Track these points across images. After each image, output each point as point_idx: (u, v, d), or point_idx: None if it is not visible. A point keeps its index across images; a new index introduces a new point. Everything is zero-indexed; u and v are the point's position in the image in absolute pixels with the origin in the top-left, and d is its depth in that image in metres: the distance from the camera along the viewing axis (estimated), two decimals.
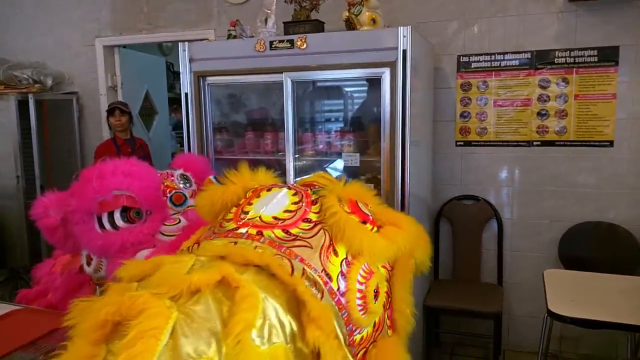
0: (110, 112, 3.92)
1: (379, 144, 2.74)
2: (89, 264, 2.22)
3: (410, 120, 2.64)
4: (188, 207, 2.34)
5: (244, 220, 1.38)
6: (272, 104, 3.35)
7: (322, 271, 1.28)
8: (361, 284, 1.34)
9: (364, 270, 1.36)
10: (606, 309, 2.22)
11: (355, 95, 3.35)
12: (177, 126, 6.11)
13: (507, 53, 3.21)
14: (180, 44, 3.01)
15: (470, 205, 3.40)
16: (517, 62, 3.20)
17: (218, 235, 1.38)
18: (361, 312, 1.32)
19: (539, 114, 3.20)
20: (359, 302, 1.31)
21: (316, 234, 1.35)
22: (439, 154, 3.41)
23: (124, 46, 4.47)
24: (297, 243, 1.31)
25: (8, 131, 4.06)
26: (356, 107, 3.37)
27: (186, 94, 3.04)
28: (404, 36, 2.53)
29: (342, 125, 3.27)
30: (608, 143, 3.09)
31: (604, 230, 3.12)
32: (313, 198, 1.48)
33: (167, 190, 2.33)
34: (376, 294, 1.38)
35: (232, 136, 3.29)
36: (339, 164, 3.14)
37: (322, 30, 2.92)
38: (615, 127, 3.07)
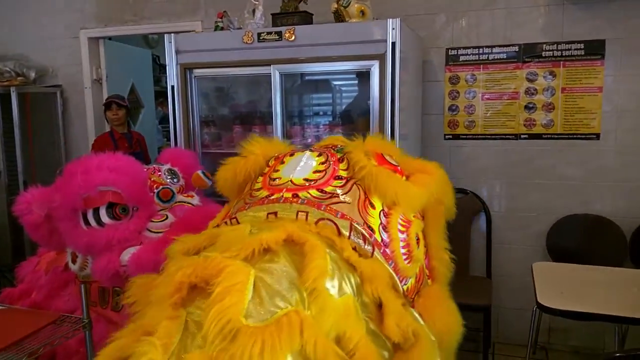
0: (107, 106, 3.87)
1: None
2: (74, 261, 2.17)
3: (399, 113, 2.63)
4: (176, 203, 2.31)
5: (275, 187, 1.37)
6: (260, 97, 3.32)
7: (364, 224, 1.28)
8: (402, 232, 1.34)
9: (402, 219, 1.36)
10: (594, 301, 2.24)
11: (344, 88, 3.34)
12: (163, 120, 6.04)
13: (495, 46, 3.21)
14: (166, 36, 2.97)
15: (459, 198, 3.34)
16: (504, 56, 3.20)
17: (251, 205, 1.35)
18: (406, 261, 1.32)
19: (526, 107, 3.21)
20: (403, 250, 1.32)
21: (350, 189, 1.34)
22: (428, 147, 3.41)
23: (109, 38, 4.40)
24: (334, 200, 1.30)
25: None
26: (345, 100, 3.36)
27: (172, 87, 3.00)
28: (393, 28, 2.52)
29: (331, 118, 3.26)
30: (594, 136, 3.11)
31: (591, 223, 3.14)
32: (339, 156, 1.49)
33: (154, 186, 2.29)
34: (417, 241, 1.40)
35: (220, 130, 3.26)
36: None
37: (311, 22, 2.90)
38: (601, 120, 3.09)
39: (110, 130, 3.95)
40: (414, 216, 1.45)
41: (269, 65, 2.79)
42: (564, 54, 3.10)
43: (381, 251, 1.28)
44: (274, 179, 1.41)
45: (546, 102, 3.17)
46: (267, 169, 1.50)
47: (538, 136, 3.22)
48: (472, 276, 3.38)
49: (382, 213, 1.34)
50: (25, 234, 2.31)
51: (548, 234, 3.23)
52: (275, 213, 1.27)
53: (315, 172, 1.40)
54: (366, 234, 1.26)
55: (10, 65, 4.15)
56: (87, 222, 2.01)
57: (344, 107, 3.31)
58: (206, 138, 3.19)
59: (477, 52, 3.24)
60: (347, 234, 1.22)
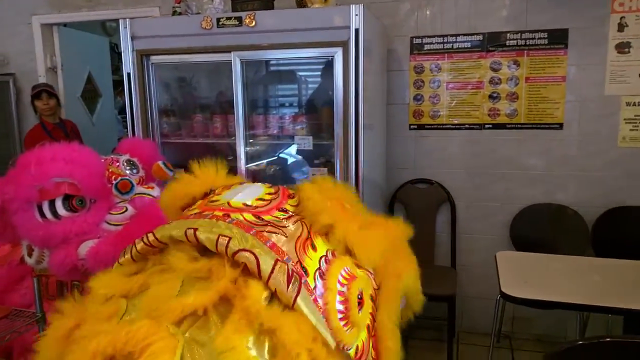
0: (37, 96, 3.70)
1: (333, 128, 2.67)
2: (30, 255, 2.08)
3: (364, 103, 2.58)
4: (135, 194, 2.22)
5: (209, 206, 1.22)
6: (222, 86, 3.22)
7: (297, 263, 1.08)
8: (342, 285, 1.12)
9: (345, 271, 1.15)
10: (557, 289, 2.24)
11: (308, 77, 3.28)
12: (123, 110, 5.85)
13: (459, 35, 3.19)
14: (121, 21, 2.84)
15: (424, 189, 3.38)
16: (469, 45, 3.18)
17: (175, 220, 1.21)
18: (342, 322, 1.09)
19: (490, 96, 3.20)
20: (340, 307, 1.09)
21: (292, 224, 1.17)
22: (393, 137, 3.37)
23: (65, 25, 4.23)
24: (270, 229, 1.13)
25: None
26: (309, 89, 3.29)
27: (129, 74, 2.89)
28: (356, 14, 2.46)
29: (295, 108, 3.19)
30: (558, 125, 3.13)
31: (554, 212, 3.16)
32: (291, 192, 1.31)
33: (113, 177, 2.20)
34: (360, 301, 1.15)
35: (180, 119, 3.15)
36: (293, 148, 3.06)
37: (272, 8, 2.82)
38: (565, 109, 3.10)
39: (41, 121, 3.77)
40: (364, 271, 1.22)
41: (229, 52, 2.70)
42: (527, 43, 3.09)
43: (311, 298, 1.06)
44: (213, 201, 1.26)
45: (510, 92, 3.17)
46: (211, 194, 1.33)
47: (502, 126, 3.21)
48: (436, 266, 3.38)
49: (323, 259, 1.14)
50: None
51: (512, 223, 3.24)
52: (195, 230, 1.08)
53: (258, 199, 1.24)
54: (294, 273, 1.06)
55: None
56: (42, 215, 1.93)
57: (308, 97, 3.25)
58: (165, 127, 3.08)
59: (441, 40, 3.21)
60: (268, 272, 1.02)
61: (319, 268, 1.11)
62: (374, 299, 1.21)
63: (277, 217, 1.17)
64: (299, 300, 1.01)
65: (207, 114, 3.10)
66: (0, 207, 2.04)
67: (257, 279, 1.01)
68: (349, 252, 1.19)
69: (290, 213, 1.21)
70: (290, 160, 3.18)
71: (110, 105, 5.22)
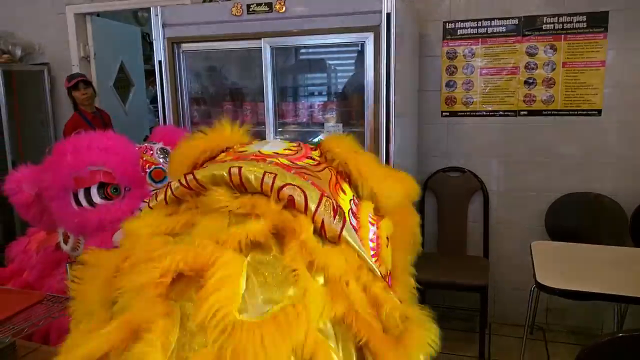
0: (75, 87, 3.76)
1: (363, 115, 2.63)
2: (65, 242, 2.13)
3: (395, 89, 2.53)
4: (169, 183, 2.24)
5: (241, 155, 1.26)
6: (252, 74, 3.22)
7: (336, 201, 1.09)
8: (372, 225, 1.14)
9: (371, 215, 1.16)
10: (593, 280, 2.18)
11: (338, 64, 3.23)
12: (154, 99, 5.93)
13: (494, 19, 3.10)
14: (152, 8, 2.85)
15: (456, 177, 3.33)
16: (504, 29, 3.10)
17: (211, 164, 1.24)
18: (373, 258, 1.11)
19: (526, 82, 3.11)
20: (372, 244, 1.12)
21: (322, 170, 1.16)
22: (425, 125, 3.32)
23: (98, 14, 4.28)
24: (304, 171, 1.12)
25: None
26: (339, 76, 3.26)
27: (160, 62, 2.90)
28: None
29: (324, 96, 3.16)
30: (596, 112, 3.03)
31: (591, 201, 3.07)
32: (312, 146, 1.37)
33: (147, 166, 2.23)
34: (387, 240, 1.20)
35: (210, 107, 3.16)
36: (323, 137, 3.04)
37: None
38: (603, 95, 3.00)
39: (80, 111, 3.83)
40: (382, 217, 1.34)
41: (259, 38, 2.69)
42: (565, 27, 2.99)
43: (359, 235, 1.10)
44: (240, 151, 1.30)
45: (546, 77, 3.07)
46: (230, 150, 1.37)
47: (538, 112, 3.13)
48: (468, 256, 3.32)
49: (352, 202, 1.15)
50: (16, 214, 2.26)
51: (547, 213, 3.16)
52: (240, 168, 1.14)
53: (286, 149, 1.31)
54: (337, 207, 1.07)
55: None
56: (78, 202, 1.96)
57: (338, 85, 3.21)
58: (195, 115, 3.09)
59: (475, 25, 3.14)
60: (314, 207, 1.04)
61: (351, 208, 1.11)
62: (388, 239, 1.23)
63: (308, 164, 1.15)
64: (344, 232, 1.02)
65: (237, 101, 3.09)
66: (37, 194, 2.09)
67: (303, 214, 1.01)
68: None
69: (318, 160, 1.19)
70: None
71: (142, 94, 5.28)
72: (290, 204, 1.01)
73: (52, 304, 1.80)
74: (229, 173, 1.03)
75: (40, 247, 2.35)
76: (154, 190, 2.17)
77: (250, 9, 2.65)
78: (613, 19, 2.92)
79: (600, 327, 3.16)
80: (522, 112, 3.15)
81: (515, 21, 3.07)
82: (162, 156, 2.35)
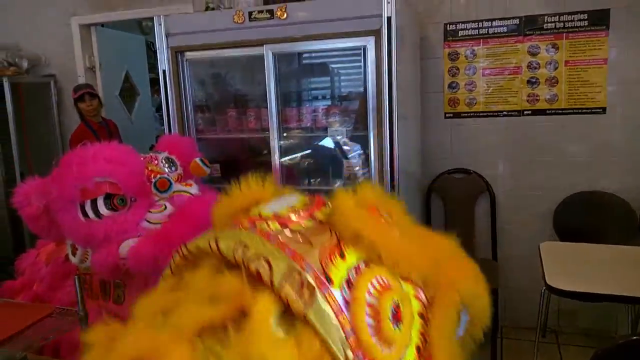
0: (80, 98, 3.79)
1: (367, 118, 2.64)
2: (74, 253, 2.13)
3: (398, 92, 2.54)
4: (174, 192, 2.24)
5: (240, 219, 1.16)
6: (255, 81, 3.23)
7: (321, 272, 1.00)
8: (372, 296, 1.02)
9: (378, 281, 1.04)
10: (605, 281, 2.15)
11: (341, 68, 3.24)
12: (160, 107, 5.96)
13: (495, 20, 3.11)
14: (155, 18, 2.87)
15: (461, 178, 3.32)
16: (505, 29, 3.10)
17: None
18: (373, 337, 0.98)
19: (529, 82, 3.11)
20: (369, 320, 0.98)
21: (320, 232, 1.09)
22: (428, 127, 3.32)
23: (102, 25, 4.32)
24: (291, 235, 1.07)
25: None
26: (342, 81, 3.26)
27: (164, 71, 2.92)
28: (388, 2, 2.42)
29: (327, 100, 3.17)
30: (600, 110, 3.01)
31: (599, 200, 3.05)
32: (324, 201, 1.26)
33: (152, 176, 2.23)
34: (396, 316, 1.02)
35: (214, 114, 3.18)
36: (328, 141, 3.04)
37: None
38: (607, 93, 2.99)
39: (86, 121, 3.86)
40: (409, 284, 1.08)
41: (262, 45, 2.70)
42: (566, 26, 2.99)
43: (334, 309, 0.96)
44: (245, 212, 1.21)
45: (549, 76, 3.07)
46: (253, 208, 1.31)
47: (542, 112, 3.12)
48: (477, 258, 3.30)
49: (353, 269, 1.04)
50: (25, 226, 2.27)
51: (555, 213, 3.14)
52: (217, 239, 1.04)
53: (290, 208, 1.16)
54: (310, 281, 0.98)
55: (2, 55, 4.09)
56: (85, 214, 1.96)
57: (341, 89, 3.22)
58: (200, 123, 3.11)
59: (476, 26, 3.14)
60: (278, 281, 0.96)
61: (347, 278, 1.01)
62: (424, 317, 1.06)
63: (304, 227, 1.09)
64: (310, 312, 0.93)
65: (241, 108, 3.11)
66: (45, 206, 2.09)
67: (270, 289, 0.94)
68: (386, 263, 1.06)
69: (320, 220, 1.12)
70: (325, 152, 3.17)
71: (147, 103, 5.32)
72: (258, 277, 0.95)
73: (61, 317, 1.80)
74: (209, 245, 1.01)
75: (50, 259, 2.35)
76: (159, 199, 2.17)
77: (252, 16, 2.67)
78: (614, 17, 2.91)
79: (614, 329, 3.13)
80: (526, 112, 3.14)
81: (516, 21, 3.07)
82: (167, 165, 2.35)
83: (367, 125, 2.64)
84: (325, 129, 2.90)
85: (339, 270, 1.01)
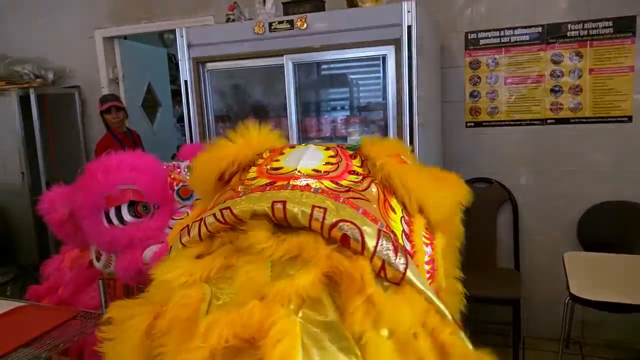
0: (107, 111, 3.86)
1: (386, 128, 2.63)
2: (98, 259, 2.17)
3: (418, 101, 2.52)
4: (196, 200, 2.27)
5: (278, 175, 1.09)
6: (275, 91, 3.24)
7: (386, 227, 0.99)
8: (427, 245, 1.08)
9: (425, 231, 1.10)
10: (631, 292, 2.11)
11: (360, 78, 3.24)
12: (181, 118, 6.02)
13: (517, 28, 3.08)
14: (177, 30, 2.91)
15: (483, 188, 3.28)
16: (527, 37, 3.06)
17: (246, 193, 1.05)
18: (429, 280, 1.05)
19: (552, 90, 3.07)
20: (427, 267, 1.05)
21: (368, 186, 1.07)
22: (449, 136, 3.29)
23: (125, 37, 4.39)
24: (352, 194, 1.03)
25: (11, 127, 4.02)
26: (361, 90, 3.26)
27: (185, 82, 2.95)
28: (408, 11, 2.41)
29: (347, 110, 3.16)
30: (626, 119, 2.96)
31: (624, 210, 2.99)
32: (350, 153, 1.20)
33: (174, 183, 2.26)
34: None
35: (234, 124, 3.19)
36: (359, 137, 3.03)
37: (323, 9, 2.81)
38: (633, 101, 2.93)
39: (111, 130, 3.93)
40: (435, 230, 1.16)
41: (282, 55, 2.72)
42: (590, 33, 2.94)
43: (414, 262, 0.98)
44: (275, 169, 1.12)
45: (573, 85, 3.02)
46: (260, 160, 1.19)
47: (565, 121, 3.07)
48: (499, 268, 3.26)
49: (402, 220, 1.07)
50: (50, 233, 2.32)
51: (579, 223, 3.08)
52: (284, 203, 0.97)
53: (326, 163, 1.13)
54: (396, 243, 0.97)
55: (28, 67, 4.17)
56: (109, 220, 2.00)
57: (360, 98, 3.21)
58: (221, 133, 3.13)
59: (498, 34, 3.11)
60: (373, 245, 0.92)
61: (403, 230, 1.04)
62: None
63: (352, 182, 1.08)
64: (408, 272, 0.93)
65: (261, 118, 3.12)
66: (71, 213, 2.14)
67: (360, 254, 0.93)
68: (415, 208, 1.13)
69: (362, 174, 1.11)
70: None
71: (169, 113, 5.38)
72: (344, 243, 0.93)
73: (85, 319, 1.84)
74: (272, 208, 0.96)
75: (74, 265, 2.39)
76: (181, 206, 2.20)
77: (272, 27, 2.69)
78: None
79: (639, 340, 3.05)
80: (549, 121, 3.10)
81: (539, 29, 3.03)
82: (189, 174, 2.38)
83: (387, 135, 2.62)
84: (345, 139, 2.90)
85: (396, 223, 1.04)
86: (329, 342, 0.83)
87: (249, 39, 2.76)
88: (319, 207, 0.96)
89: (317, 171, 1.09)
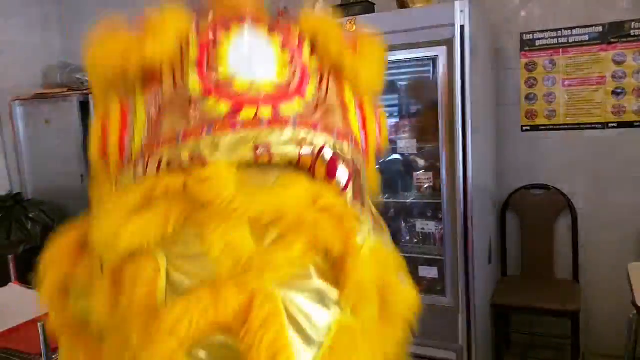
0: None
1: (437, 131, 2.57)
2: None
3: (471, 104, 2.45)
4: None
5: (236, 95, 0.88)
6: None
7: (351, 138, 0.98)
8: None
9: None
10: None
11: (410, 79, 3.17)
12: None
13: (575, 28, 2.95)
14: None
15: (540, 194, 3.15)
16: (587, 37, 2.93)
17: (214, 129, 0.84)
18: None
19: (614, 92, 2.92)
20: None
21: (327, 88, 1.00)
22: (504, 140, 3.18)
23: None
24: (320, 112, 0.95)
25: (71, 132, 4.17)
26: (410, 97, 3.20)
27: None
28: (461, 11, 2.36)
29: (396, 116, 3.11)
30: None
31: None
32: (297, 32, 1.05)
33: None
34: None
35: None
36: (397, 156, 2.98)
37: (373, 12, 2.79)
38: None
39: None
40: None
41: None
42: None
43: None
44: (226, 81, 0.90)
45: (637, 87, 2.87)
46: (192, 50, 0.93)
47: (629, 124, 2.91)
48: (557, 279, 3.11)
49: (356, 107, 1.03)
50: None
51: None
52: (268, 147, 0.84)
53: (283, 66, 0.96)
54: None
55: (78, 74, 4.32)
56: None
57: (410, 103, 3.16)
58: None
59: (555, 35, 2.99)
60: (344, 184, 0.95)
61: (358, 120, 1.05)
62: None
63: (313, 91, 0.97)
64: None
65: None
66: None
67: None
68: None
69: (319, 71, 1.01)
70: (393, 167, 3.10)
71: None
72: (329, 174, 0.90)
73: None
74: (255, 154, 0.83)
75: None
76: None
77: None
78: None
79: None
80: (611, 125, 2.95)
81: (599, 28, 2.90)
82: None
83: (438, 139, 2.56)
84: (395, 143, 2.85)
85: (353, 114, 1.03)
86: (310, 307, 0.81)
87: None
88: (307, 147, 0.89)
89: (278, 85, 0.93)
